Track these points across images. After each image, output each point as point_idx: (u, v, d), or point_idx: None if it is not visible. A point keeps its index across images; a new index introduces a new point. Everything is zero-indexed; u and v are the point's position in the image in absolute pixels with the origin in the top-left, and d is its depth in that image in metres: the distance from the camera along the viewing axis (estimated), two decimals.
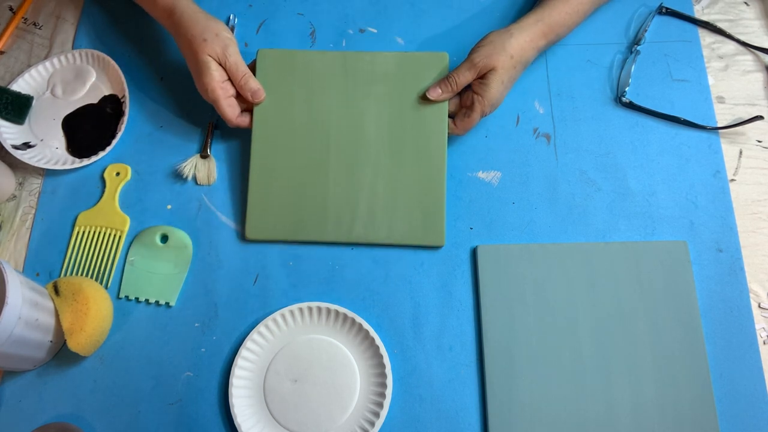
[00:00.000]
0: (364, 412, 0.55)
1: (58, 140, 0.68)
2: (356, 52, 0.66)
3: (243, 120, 0.64)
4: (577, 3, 0.63)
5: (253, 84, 0.63)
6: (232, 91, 0.63)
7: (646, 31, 0.68)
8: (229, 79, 0.63)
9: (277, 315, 0.58)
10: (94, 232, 0.63)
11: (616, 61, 0.68)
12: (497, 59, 0.59)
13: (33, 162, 0.65)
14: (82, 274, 0.62)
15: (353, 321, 0.57)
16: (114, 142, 0.66)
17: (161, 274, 0.61)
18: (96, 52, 0.71)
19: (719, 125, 0.64)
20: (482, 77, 0.60)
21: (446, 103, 0.63)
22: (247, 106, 0.65)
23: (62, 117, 0.69)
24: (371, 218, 0.61)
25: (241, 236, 0.62)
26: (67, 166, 0.65)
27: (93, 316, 0.56)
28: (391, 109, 0.64)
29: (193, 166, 0.65)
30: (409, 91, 0.64)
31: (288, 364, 0.57)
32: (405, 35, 0.71)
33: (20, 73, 0.70)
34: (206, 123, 0.68)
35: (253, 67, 0.66)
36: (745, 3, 0.71)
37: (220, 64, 0.62)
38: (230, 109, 0.62)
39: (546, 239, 0.61)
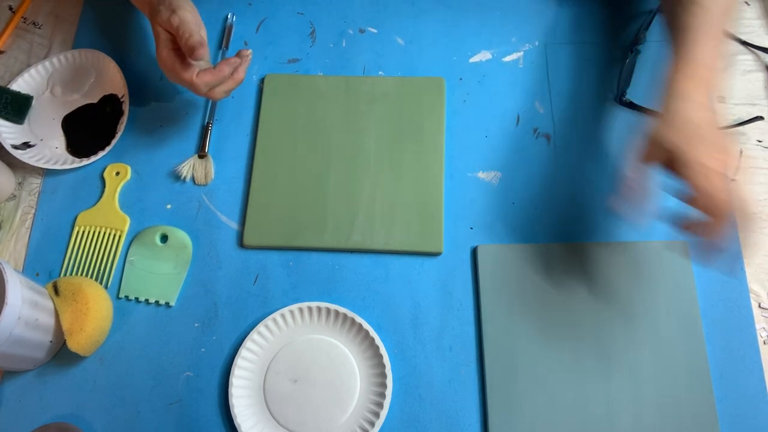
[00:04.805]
0: (364, 412, 0.55)
1: (58, 140, 0.68)
2: (358, 77, 0.68)
3: (204, 77, 0.58)
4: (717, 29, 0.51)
5: (193, 40, 0.56)
6: (186, 57, 0.59)
7: (646, 30, 0.68)
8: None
9: (277, 315, 0.58)
10: (94, 232, 0.63)
11: (617, 61, 0.68)
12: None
13: (33, 162, 0.65)
14: (81, 274, 0.62)
15: (353, 321, 0.57)
16: (113, 141, 0.66)
17: (161, 274, 0.61)
18: (96, 52, 0.71)
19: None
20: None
21: (444, 117, 0.65)
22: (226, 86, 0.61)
23: (62, 116, 0.69)
24: (369, 226, 0.61)
25: (240, 240, 0.62)
26: (67, 166, 0.65)
27: (93, 316, 0.56)
28: (391, 125, 0.66)
29: (190, 166, 0.65)
30: (408, 109, 0.66)
31: (288, 364, 0.57)
32: (405, 35, 0.71)
33: (20, 72, 0.70)
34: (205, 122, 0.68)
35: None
36: (746, 2, 0.71)
37: (170, 32, 0.58)
38: (186, 72, 0.58)
39: (546, 239, 0.61)
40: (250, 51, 0.63)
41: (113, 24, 0.74)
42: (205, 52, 0.57)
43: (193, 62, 0.59)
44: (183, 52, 0.59)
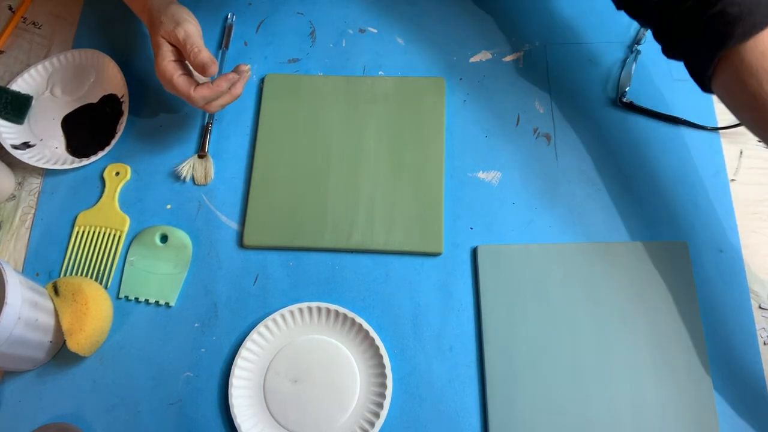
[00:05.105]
0: (364, 412, 0.55)
1: (58, 140, 0.68)
2: (358, 77, 0.68)
3: (202, 92, 0.58)
4: None
5: (203, 57, 0.58)
6: (185, 70, 0.60)
7: (646, 30, 0.68)
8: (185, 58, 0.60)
9: (277, 315, 0.58)
10: (94, 232, 0.63)
11: (616, 61, 0.68)
12: None
13: (32, 162, 0.65)
14: (81, 274, 0.62)
15: (353, 321, 0.57)
16: (113, 141, 0.66)
17: (161, 274, 0.61)
18: (95, 52, 0.71)
19: (720, 125, 0.64)
20: None
21: (443, 118, 0.65)
22: (222, 100, 0.61)
23: (62, 117, 0.69)
24: (369, 226, 0.61)
25: (240, 240, 0.62)
26: (67, 166, 0.65)
27: (93, 316, 0.56)
28: (391, 125, 0.66)
29: (190, 166, 0.65)
30: (408, 109, 0.66)
31: (288, 364, 0.57)
32: (405, 35, 0.71)
33: (20, 72, 0.70)
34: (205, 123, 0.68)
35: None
36: None
37: (174, 45, 0.59)
38: (184, 85, 0.58)
39: (546, 239, 0.61)
40: (248, 66, 0.62)
41: (113, 24, 0.74)
42: (216, 70, 0.58)
43: (195, 77, 0.59)
44: (182, 64, 0.59)
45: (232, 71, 0.61)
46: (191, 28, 0.59)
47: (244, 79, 0.62)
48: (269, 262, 0.61)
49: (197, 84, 0.59)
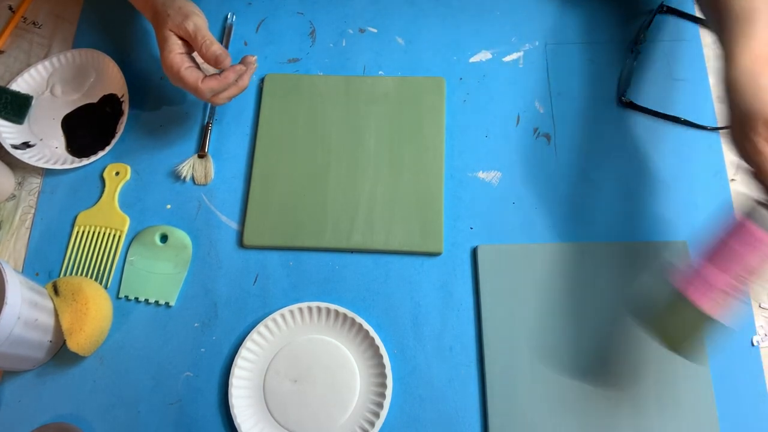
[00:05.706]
0: (364, 412, 0.55)
1: (58, 140, 0.68)
2: (358, 77, 0.68)
3: (209, 83, 0.58)
4: None
5: (215, 49, 0.58)
6: (193, 63, 0.60)
7: (646, 30, 0.68)
8: (193, 51, 0.60)
9: (277, 315, 0.58)
10: (94, 232, 0.63)
11: (617, 61, 0.68)
12: None
13: (32, 161, 0.65)
14: (81, 274, 0.62)
15: (353, 321, 0.57)
16: (113, 141, 0.66)
17: (161, 274, 0.61)
18: (95, 52, 0.71)
19: (720, 125, 0.64)
20: None
21: (444, 117, 0.65)
22: (227, 93, 0.61)
23: (62, 116, 0.69)
24: (369, 226, 0.61)
25: (240, 240, 0.62)
26: (67, 166, 0.65)
27: (92, 316, 0.56)
28: (391, 125, 0.66)
29: (190, 166, 0.65)
30: (408, 109, 0.66)
31: (288, 364, 0.57)
32: (405, 35, 0.71)
33: (20, 72, 0.70)
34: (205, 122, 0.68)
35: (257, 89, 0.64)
36: None
37: (182, 37, 0.59)
38: (192, 77, 0.58)
39: (546, 239, 0.61)
40: (255, 58, 0.62)
41: (113, 24, 0.74)
42: (230, 61, 0.59)
43: (201, 68, 0.60)
44: (189, 57, 0.60)
45: (240, 63, 0.61)
46: (200, 21, 0.59)
47: (251, 70, 0.62)
48: (269, 262, 0.61)
49: (204, 76, 0.59)
